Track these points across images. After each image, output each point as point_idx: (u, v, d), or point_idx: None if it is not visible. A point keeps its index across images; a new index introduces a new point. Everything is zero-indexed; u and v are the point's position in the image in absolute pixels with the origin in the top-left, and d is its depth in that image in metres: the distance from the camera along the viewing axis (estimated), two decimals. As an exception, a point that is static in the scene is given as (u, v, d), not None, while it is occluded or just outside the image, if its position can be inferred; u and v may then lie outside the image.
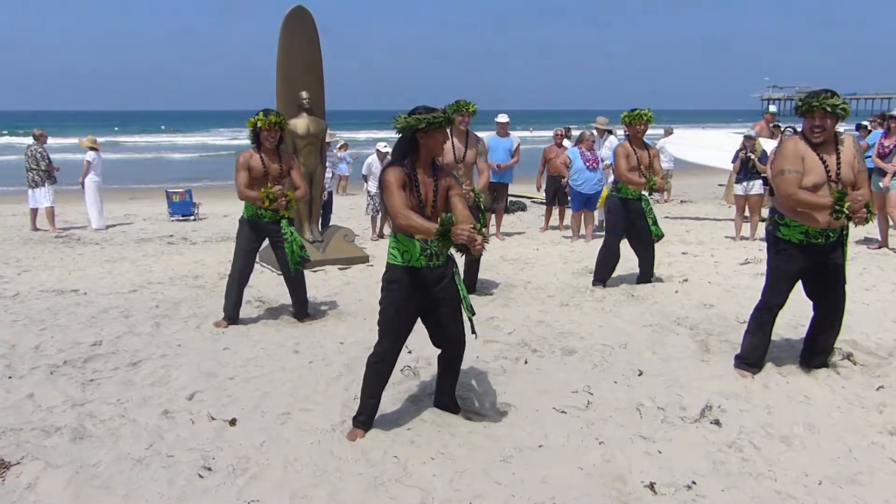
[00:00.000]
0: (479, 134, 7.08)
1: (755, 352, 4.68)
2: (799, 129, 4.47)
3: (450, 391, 4.13)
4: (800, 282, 4.58)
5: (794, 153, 4.24)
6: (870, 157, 9.17)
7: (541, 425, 3.95)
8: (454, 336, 3.91)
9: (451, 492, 3.29)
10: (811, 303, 4.67)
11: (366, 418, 3.89)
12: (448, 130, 3.75)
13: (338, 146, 17.25)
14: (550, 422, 4.00)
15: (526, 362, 4.99)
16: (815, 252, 4.38)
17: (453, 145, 6.36)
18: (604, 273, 7.28)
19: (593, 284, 7.26)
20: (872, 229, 9.83)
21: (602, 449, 3.68)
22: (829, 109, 4.12)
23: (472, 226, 3.35)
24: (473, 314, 3.80)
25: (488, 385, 4.54)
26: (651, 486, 3.30)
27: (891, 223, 9.02)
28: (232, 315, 5.99)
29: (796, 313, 5.40)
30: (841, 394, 4.34)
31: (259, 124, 5.64)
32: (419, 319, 3.88)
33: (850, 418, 4.00)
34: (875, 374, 4.63)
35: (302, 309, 6.13)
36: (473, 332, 3.85)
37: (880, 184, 8.83)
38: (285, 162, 5.86)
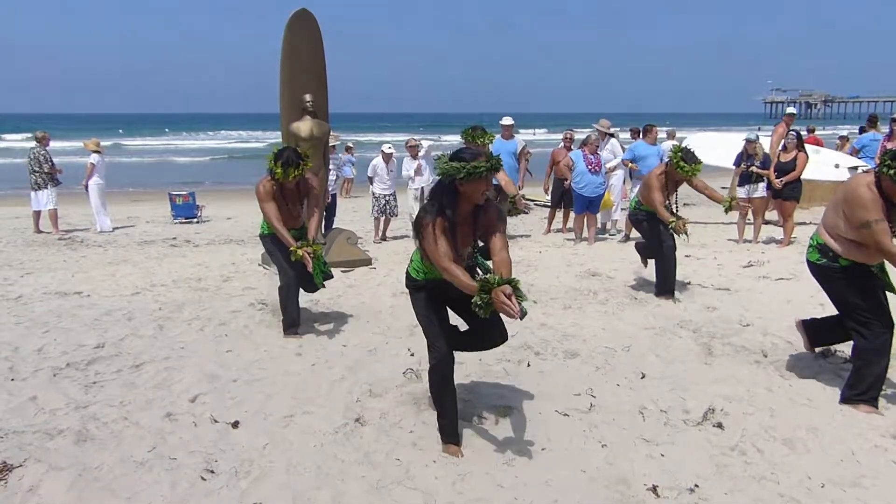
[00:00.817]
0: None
1: (878, 383, 4.23)
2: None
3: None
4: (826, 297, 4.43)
5: (875, 202, 3.93)
6: (870, 157, 9.17)
7: (543, 428, 3.95)
8: (494, 334, 3.79)
9: (453, 494, 3.29)
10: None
11: (450, 431, 3.75)
12: (490, 178, 3.44)
13: (344, 148, 17.28)
14: (553, 425, 4.00)
15: (529, 365, 4.99)
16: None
17: None
18: (669, 283, 6.88)
19: (665, 297, 6.83)
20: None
21: (605, 452, 3.67)
22: None
23: (510, 292, 3.10)
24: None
25: (491, 388, 4.54)
26: (654, 490, 3.30)
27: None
28: (296, 321, 5.86)
29: (796, 314, 5.39)
30: (844, 397, 4.32)
31: (279, 178, 5.47)
32: (416, 323, 3.87)
33: (852, 421, 3.99)
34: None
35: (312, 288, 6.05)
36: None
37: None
38: (304, 192, 5.77)
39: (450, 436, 3.75)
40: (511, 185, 6.25)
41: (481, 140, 6.22)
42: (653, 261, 7.19)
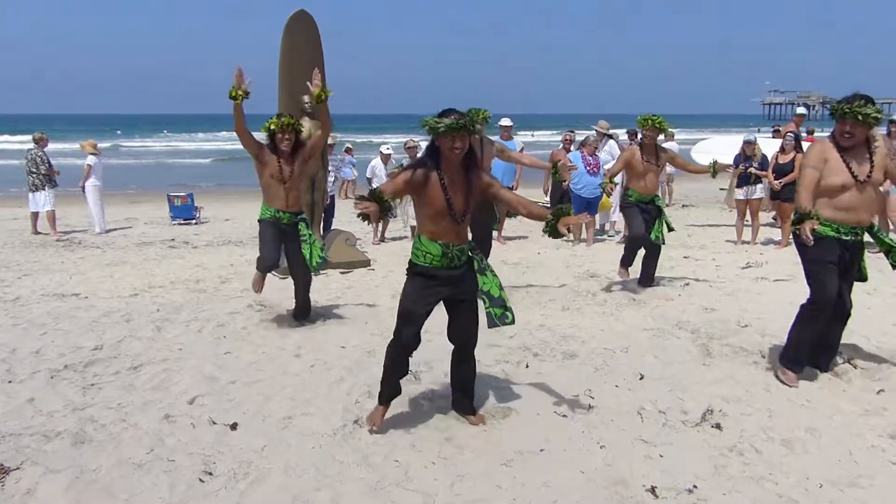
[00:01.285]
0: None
1: (800, 348, 4.59)
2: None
3: (464, 388, 4.11)
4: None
5: (818, 153, 4.35)
6: None
7: (542, 429, 3.94)
8: (466, 334, 3.95)
9: (452, 496, 3.29)
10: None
11: (388, 399, 3.98)
12: (466, 137, 3.62)
13: (343, 149, 17.29)
14: (552, 425, 4.00)
15: (527, 366, 4.99)
16: (845, 249, 4.44)
17: None
18: (628, 256, 7.32)
19: (620, 265, 7.35)
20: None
21: (603, 453, 3.67)
22: (860, 118, 4.17)
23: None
24: (494, 307, 3.86)
25: (490, 389, 4.53)
26: (652, 490, 3.30)
27: (891, 227, 9.00)
28: (269, 269, 5.96)
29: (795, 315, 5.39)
30: (842, 397, 4.33)
31: (273, 127, 5.69)
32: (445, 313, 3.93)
33: (851, 422, 3.99)
34: (876, 377, 4.63)
35: (304, 312, 6.14)
36: (497, 324, 3.87)
37: (880, 188, 8.81)
38: (300, 157, 5.81)
39: (384, 400, 3.97)
40: (524, 157, 6.95)
41: (477, 115, 6.24)
42: (655, 265, 7.29)
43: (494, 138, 10.19)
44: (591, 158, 10.22)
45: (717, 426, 3.96)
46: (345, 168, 16.96)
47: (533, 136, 51.90)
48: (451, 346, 4.04)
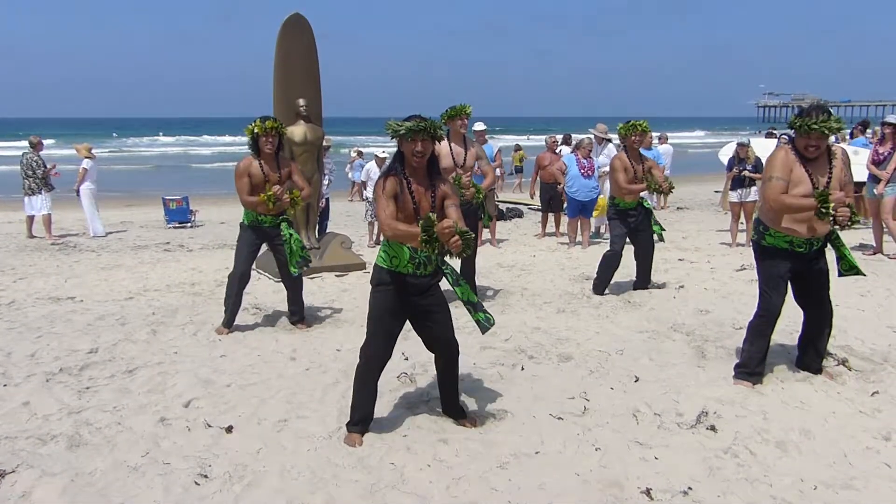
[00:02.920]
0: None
1: (752, 361, 4.68)
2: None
3: (450, 399, 4.13)
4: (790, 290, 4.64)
5: (783, 162, 4.33)
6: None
7: (537, 431, 3.95)
8: (443, 341, 3.94)
9: (447, 498, 3.29)
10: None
11: (360, 423, 3.91)
12: (433, 141, 3.67)
13: (354, 151, 17.77)
14: (547, 428, 4.00)
15: (523, 369, 5.00)
16: (800, 259, 4.48)
17: (451, 150, 6.42)
18: (603, 280, 7.28)
19: (593, 291, 7.28)
20: (867, 235, 9.88)
21: (599, 455, 3.68)
22: (825, 132, 4.19)
23: (452, 225, 3.40)
24: (477, 312, 3.84)
25: (485, 391, 4.54)
26: (647, 492, 3.31)
27: (885, 230, 9.04)
28: (230, 321, 6.01)
29: (793, 319, 5.40)
30: (836, 399, 4.35)
31: (256, 130, 5.68)
32: (411, 327, 3.92)
33: (845, 424, 4.01)
34: (870, 379, 4.64)
35: (298, 314, 6.15)
36: (488, 328, 3.86)
37: (874, 191, 8.86)
38: (284, 167, 5.91)
39: (355, 425, 3.89)
40: (490, 175, 6.90)
41: (462, 111, 6.46)
42: (650, 269, 7.33)
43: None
44: (585, 161, 10.24)
45: (712, 428, 3.97)
46: (354, 171, 17.09)
47: (528, 139, 51.96)
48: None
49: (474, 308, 3.85)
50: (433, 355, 4.04)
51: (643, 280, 7.39)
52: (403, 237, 3.58)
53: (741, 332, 5.72)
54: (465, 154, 6.52)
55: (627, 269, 7.48)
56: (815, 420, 4.06)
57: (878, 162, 8.92)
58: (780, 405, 4.28)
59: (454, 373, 4.07)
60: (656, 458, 3.64)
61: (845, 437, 3.84)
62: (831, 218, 4.16)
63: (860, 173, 9.65)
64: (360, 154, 18.23)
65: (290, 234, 5.86)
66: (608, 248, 7.32)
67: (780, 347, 5.29)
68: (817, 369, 4.74)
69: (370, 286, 3.84)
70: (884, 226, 9.01)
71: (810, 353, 4.76)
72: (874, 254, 9.00)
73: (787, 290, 4.60)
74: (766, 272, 4.58)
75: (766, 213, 4.53)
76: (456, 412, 4.12)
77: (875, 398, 4.34)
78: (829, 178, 4.32)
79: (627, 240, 7.23)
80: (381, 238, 3.87)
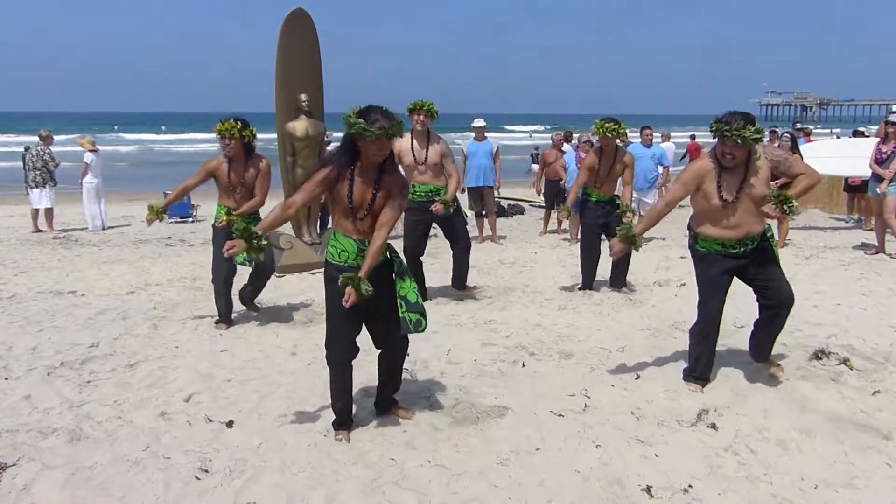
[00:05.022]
0: (462, 139, 7.00)
1: (699, 364, 4.63)
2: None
3: (385, 398, 4.13)
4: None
5: (695, 174, 4.29)
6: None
7: (538, 428, 3.95)
8: (391, 339, 3.89)
9: (448, 495, 3.29)
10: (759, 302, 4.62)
11: (342, 420, 3.89)
12: (391, 144, 3.59)
13: None
14: (548, 425, 4.00)
15: (524, 365, 4.99)
16: (736, 258, 4.39)
17: (413, 147, 6.38)
18: (586, 275, 7.23)
19: (580, 289, 7.23)
20: (869, 235, 9.87)
21: (599, 452, 3.68)
22: (739, 142, 4.04)
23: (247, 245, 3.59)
24: (414, 312, 3.73)
25: (486, 388, 4.54)
26: (648, 490, 3.31)
27: (887, 229, 9.03)
28: (227, 317, 6.01)
29: (793, 317, 5.40)
30: (837, 398, 4.34)
31: (215, 133, 5.59)
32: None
33: (846, 423, 4.00)
34: (871, 378, 4.64)
35: (253, 295, 6.20)
36: (411, 331, 3.74)
37: (877, 189, 8.84)
38: (250, 170, 5.67)
39: (339, 423, 3.87)
40: (455, 175, 6.53)
41: (420, 107, 6.34)
42: (626, 268, 7.25)
43: (467, 140, 10.38)
44: (583, 156, 10.24)
45: (713, 426, 3.97)
46: None
47: (531, 136, 51.94)
48: (451, 345, 4.03)
49: (408, 306, 3.71)
50: (431, 352, 4.04)
51: (617, 281, 7.21)
52: (268, 222, 3.68)
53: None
54: (427, 152, 6.41)
55: (630, 266, 7.46)
56: (815, 419, 4.05)
57: (881, 161, 8.89)
58: (781, 404, 4.28)
59: (397, 374, 4.10)
60: (657, 456, 3.64)
61: (846, 436, 3.83)
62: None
63: (863, 169, 9.61)
64: None
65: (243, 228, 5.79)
66: (580, 247, 7.29)
67: (779, 345, 5.29)
68: (763, 358, 4.70)
69: (325, 283, 3.77)
70: (888, 226, 8.99)
71: (757, 342, 4.69)
72: (876, 253, 8.99)
73: (727, 294, 4.51)
74: (702, 275, 4.53)
75: (693, 217, 4.50)
76: (390, 408, 4.14)
77: (876, 397, 4.34)
78: (744, 182, 4.18)
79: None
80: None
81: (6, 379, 4.75)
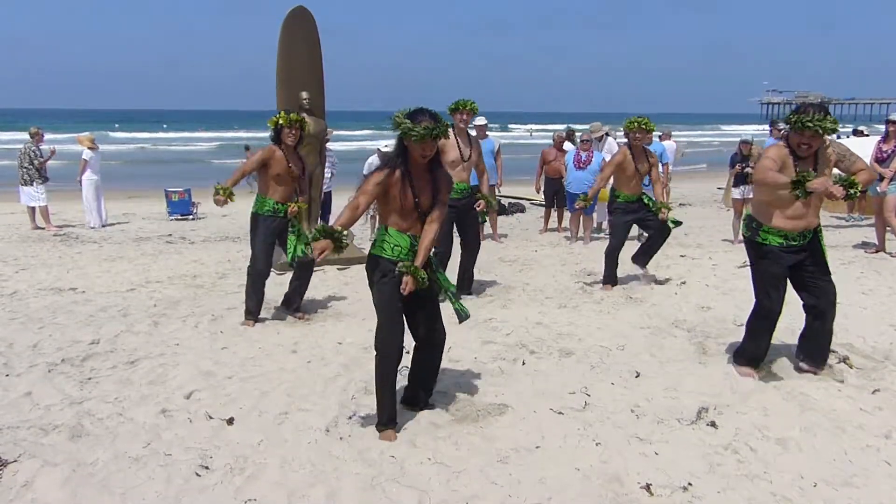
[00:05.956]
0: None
1: (760, 350, 4.74)
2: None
3: (426, 391, 4.18)
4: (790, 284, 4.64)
5: (777, 154, 4.37)
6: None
7: (538, 426, 3.95)
8: (434, 334, 4.00)
9: (448, 492, 3.30)
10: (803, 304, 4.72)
11: (389, 418, 3.88)
12: (436, 143, 3.71)
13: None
14: (548, 423, 4.01)
15: (524, 363, 5.00)
16: (795, 252, 4.47)
17: (458, 144, 6.48)
18: (610, 273, 7.32)
19: (603, 283, 7.31)
20: (870, 233, 9.87)
21: (599, 450, 3.68)
22: (819, 131, 4.17)
23: (325, 247, 3.51)
24: (457, 300, 3.97)
25: (486, 386, 4.55)
26: (647, 488, 3.31)
27: (888, 227, 9.03)
28: (257, 313, 6.07)
29: (795, 317, 5.40)
30: (837, 396, 4.35)
31: (281, 121, 5.82)
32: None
33: (845, 421, 4.00)
34: (871, 377, 4.65)
35: (294, 302, 6.21)
36: (465, 318, 3.98)
37: (878, 188, 8.84)
38: (298, 164, 6.01)
39: (388, 422, 3.86)
40: (486, 174, 6.94)
41: (464, 106, 6.51)
42: (659, 245, 7.39)
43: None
44: (583, 155, 10.25)
45: (713, 424, 3.97)
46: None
47: (531, 134, 51.93)
48: (451, 343, 4.04)
49: (455, 297, 3.97)
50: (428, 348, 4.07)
51: (643, 258, 7.39)
52: (342, 223, 3.62)
53: (742, 328, 5.74)
54: (470, 150, 6.59)
55: (626, 264, 7.48)
56: (815, 417, 4.06)
57: (881, 160, 8.89)
58: (781, 402, 4.28)
59: (436, 366, 4.18)
60: (656, 454, 3.64)
61: (846, 435, 3.84)
62: (805, 192, 4.17)
63: None
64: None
65: (299, 229, 5.96)
66: (609, 242, 7.37)
67: (781, 344, 5.29)
68: (821, 362, 4.71)
69: (372, 280, 3.82)
70: (888, 224, 8.99)
71: (811, 347, 4.72)
72: (876, 252, 8.99)
73: (787, 288, 4.59)
74: (762, 271, 4.58)
75: (758, 208, 4.55)
76: (424, 402, 4.19)
77: (876, 396, 4.34)
78: (815, 173, 4.28)
79: (635, 231, 7.28)
80: (379, 226, 3.86)
81: (7, 376, 4.75)
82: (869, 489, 3.32)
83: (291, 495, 3.27)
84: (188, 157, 35.23)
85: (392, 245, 3.74)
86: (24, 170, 11.53)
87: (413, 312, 3.91)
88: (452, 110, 6.53)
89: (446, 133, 3.71)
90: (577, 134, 12.50)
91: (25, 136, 12.31)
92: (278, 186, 5.89)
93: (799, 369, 4.73)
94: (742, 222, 4.59)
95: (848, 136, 15.61)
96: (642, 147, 7.16)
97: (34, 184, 11.52)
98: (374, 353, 3.85)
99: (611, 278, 7.31)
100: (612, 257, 7.31)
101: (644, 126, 7.01)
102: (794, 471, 3.47)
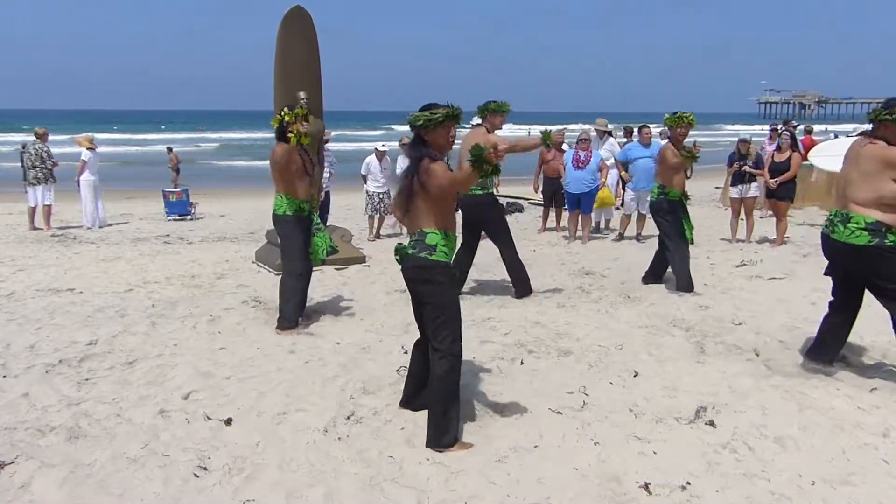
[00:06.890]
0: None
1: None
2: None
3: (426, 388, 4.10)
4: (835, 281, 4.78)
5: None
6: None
7: (536, 426, 3.95)
8: None
9: (446, 492, 3.29)
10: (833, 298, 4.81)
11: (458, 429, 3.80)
12: (453, 126, 3.71)
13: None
14: (546, 422, 4.01)
15: (522, 363, 5.00)
16: None
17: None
18: (687, 278, 7.11)
19: (682, 291, 7.00)
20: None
21: (597, 449, 3.68)
22: None
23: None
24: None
25: (484, 385, 4.55)
26: (646, 487, 3.31)
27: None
28: (297, 320, 5.89)
29: (794, 315, 5.42)
30: (835, 395, 4.35)
31: (287, 119, 5.89)
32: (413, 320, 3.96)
33: (843, 420, 4.01)
34: (868, 375, 4.65)
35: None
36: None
37: None
38: (307, 157, 6.12)
39: (459, 434, 3.81)
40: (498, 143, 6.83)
41: (503, 108, 6.75)
42: (639, 260, 7.31)
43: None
44: (582, 154, 10.25)
45: (711, 423, 3.97)
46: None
47: (530, 134, 51.96)
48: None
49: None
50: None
51: (655, 275, 7.39)
52: (464, 180, 3.56)
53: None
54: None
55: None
56: (813, 416, 4.06)
57: None
58: (779, 401, 4.28)
59: None
60: (655, 453, 3.64)
61: (844, 433, 3.84)
62: None
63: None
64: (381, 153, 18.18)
65: (320, 226, 6.06)
66: (679, 250, 7.11)
67: (777, 342, 5.30)
68: (834, 359, 4.72)
69: (434, 285, 3.68)
70: None
71: (833, 342, 4.72)
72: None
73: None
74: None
75: (883, 209, 4.28)
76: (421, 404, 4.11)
77: (874, 394, 4.35)
78: None
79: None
80: (436, 230, 3.68)
81: (4, 377, 4.74)
82: (867, 487, 3.32)
83: (290, 495, 3.27)
84: (186, 158, 35.16)
85: (451, 248, 3.73)
86: (36, 169, 11.51)
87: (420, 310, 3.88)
88: (493, 111, 6.72)
89: (461, 117, 3.72)
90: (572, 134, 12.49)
91: (22, 136, 12.30)
92: (300, 183, 5.92)
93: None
94: (855, 233, 4.34)
95: (836, 136, 15.60)
96: (683, 143, 7.13)
97: (47, 182, 11.51)
98: (445, 361, 3.69)
99: (689, 286, 7.05)
100: (685, 262, 7.10)
101: (690, 121, 7.02)
102: (792, 469, 3.47)
